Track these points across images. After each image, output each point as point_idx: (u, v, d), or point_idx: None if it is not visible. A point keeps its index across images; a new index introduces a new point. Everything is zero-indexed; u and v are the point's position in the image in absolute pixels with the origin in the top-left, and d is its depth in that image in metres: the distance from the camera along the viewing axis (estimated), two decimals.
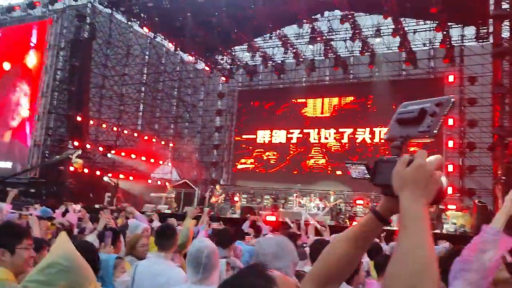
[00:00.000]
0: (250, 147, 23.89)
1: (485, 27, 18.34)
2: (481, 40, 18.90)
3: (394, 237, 7.98)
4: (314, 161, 22.21)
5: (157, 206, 17.27)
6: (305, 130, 22.67)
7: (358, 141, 21.33)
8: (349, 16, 18.76)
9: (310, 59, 22.23)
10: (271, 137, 23.48)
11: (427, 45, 20.32)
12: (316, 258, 1.25)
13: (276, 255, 1.95)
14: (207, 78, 26.00)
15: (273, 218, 15.68)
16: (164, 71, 25.73)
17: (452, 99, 1.06)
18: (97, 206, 15.74)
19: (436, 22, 18.02)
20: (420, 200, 0.97)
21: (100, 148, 21.32)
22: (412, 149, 1.11)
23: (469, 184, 18.90)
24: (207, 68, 24.71)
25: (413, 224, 0.94)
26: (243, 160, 24.05)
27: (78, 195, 17.83)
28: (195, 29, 20.17)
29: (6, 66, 21.73)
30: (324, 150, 22.15)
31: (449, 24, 18.54)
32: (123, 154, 22.21)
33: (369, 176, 1.17)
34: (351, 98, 22.08)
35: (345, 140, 21.62)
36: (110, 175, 19.50)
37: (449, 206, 16.77)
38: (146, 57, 25.54)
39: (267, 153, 23.39)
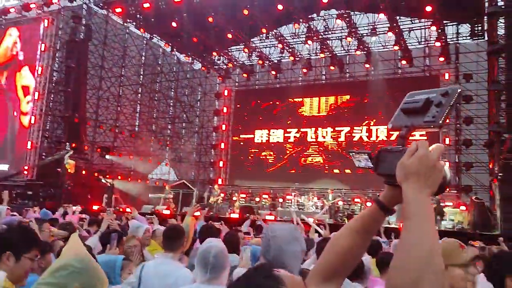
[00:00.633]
0: (248, 146, 23.92)
1: (480, 25, 18.44)
2: (476, 38, 19.00)
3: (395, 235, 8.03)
4: (312, 159, 22.28)
5: (155, 207, 17.28)
6: (302, 129, 22.72)
7: (355, 139, 21.39)
8: (345, 15, 18.83)
9: (306, 58, 22.29)
10: (268, 136, 23.52)
11: (422, 43, 20.40)
12: None
13: (287, 239, 1.98)
14: (204, 79, 26.03)
15: (271, 218, 15.74)
16: (161, 71, 25.72)
17: (459, 89, 1.05)
18: (95, 207, 15.75)
19: (431, 20, 18.11)
20: (424, 190, 0.96)
21: (98, 150, 21.30)
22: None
23: (466, 181, 19.01)
24: (203, 69, 24.72)
25: (417, 215, 0.94)
26: (239, 159, 24.08)
27: (75, 197, 17.82)
28: (191, 30, 20.18)
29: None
30: (322, 149, 22.21)
31: (444, 22, 18.63)
32: (120, 155, 22.19)
33: (371, 165, 1.16)
34: (348, 96, 22.14)
35: (342, 138, 21.69)
36: (107, 176, 19.50)
37: (447, 203, 16.88)
38: (143, 58, 25.53)
39: (264, 153, 23.43)
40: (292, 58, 22.40)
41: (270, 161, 23.25)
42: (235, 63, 24.27)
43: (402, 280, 0.88)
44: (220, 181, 23.36)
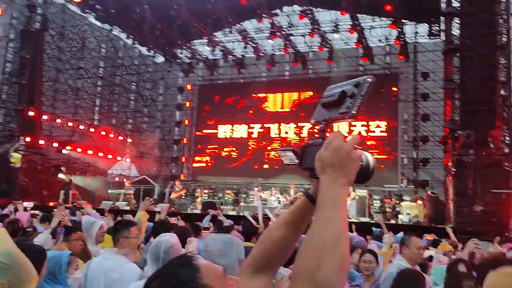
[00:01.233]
0: (211, 142, 23.78)
1: (437, 25, 19.04)
2: (433, 37, 19.62)
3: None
4: (274, 154, 22.39)
5: (115, 203, 16.89)
6: (265, 125, 22.79)
7: (317, 135, 21.61)
8: (308, 12, 18.98)
9: (270, 54, 22.36)
10: (232, 131, 23.46)
11: (383, 41, 20.87)
12: None
13: (221, 252, 1.97)
14: (166, 72, 25.58)
15: (234, 213, 15.77)
16: (122, 64, 25.08)
17: (369, 79, 1.07)
18: (51, 203, 15.22)
19: (391, 19, 18.54)
20: (338, 180, 0.98)
21: (55, 144, 20.56)
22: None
23: (422, 176, 19.64)
24: (166, 62, 24.30)
25: (327, 204, 0.96)
26: (203, 155, 23.91)
27: (31, 193, 17.15)
28: (153, 22, 19.79)
29: None
30: (285, 145, 22.33)
31: (403, 21, 19.12)
32: (79, 150, 21.52)
33: (297, 161, 1.18)
34: (310, 93, 22.36)
35: (304, 134, 21.90)
36: (64, 171, 18.88)
37: (404, 197, 17.42)
38: (103, 50, 24.81)
39: (228, 148, 23.35)
40: (255, 53, 22.39)
41: (233, 156, 23.21)
42: (198, 57, 24.01)
43: (305, 265, 0.89)
44: (182, 177, 23.11)
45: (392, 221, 15.11)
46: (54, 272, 2.74)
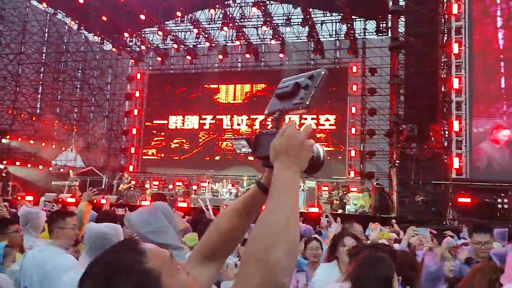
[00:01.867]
0: (162, 133, 23.35)
1: (384, 22, 19.68)
2: (380, 34, 20.27)
3: None
4: (227, 144, 22.35)
5: (59, 194, 16.23)
6: (217, 116, 22.67)
7: (269, 127, 21.75)
8: (261, 4, 19.01)
9: (223, 45, 22.21)
10: (183, 122, 23.14)
11: (333, 36, 21.30)
12: None
13: (144, 220, 1.93)
14: (115, 60, 24.72)
15: (184, 205, 15.61)
16: (67, 51, 23.99)
17: (323, 72, 1.11)
18: None
19: (341, 14, 18.94)
20: (291, 167, 1.00)
21: None
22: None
23: (369, 168, 20.34)
24: (114, 50, 23.51)
25: (280, 189, 0.97)
26: (154, 146, 23.45)
27: None
28: (100, 8, 19.05)
29: None
30: (229, 138, 22.35)
31: (353, 17, 19.61)
32: (20, 139, 20.44)
33: (250, 150, 1.20)
34: (263, 85, 22.46)
35: (257, 126, 21.99)
36: (4, 162, 17.89)
37: (351, 189, 17.96)
38: (46, 35, 23.59)
39: (179, 139, 23.03)
40: (208, 44, 22.16)
41: (185, 147, 22.93)
42: (148, 45, 23.41)
43: (256, 247, 0.90)
44: (131, 168, 22.56)
45: (340, 211, 15.58)
46: None
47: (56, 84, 24.03)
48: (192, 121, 23.03)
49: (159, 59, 23.71)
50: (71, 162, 22.02)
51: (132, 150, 23.26)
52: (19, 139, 20.43)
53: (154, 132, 23.52)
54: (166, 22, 21.49)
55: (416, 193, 13.66)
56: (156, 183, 20.66)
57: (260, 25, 20.68)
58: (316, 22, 20.41)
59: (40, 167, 20.86)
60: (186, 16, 20.48)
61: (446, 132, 14.49)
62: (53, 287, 2.51)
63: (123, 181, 19.05)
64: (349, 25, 19.64)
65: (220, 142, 22.39)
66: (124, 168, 22.55)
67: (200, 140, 22.74)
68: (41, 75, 23.64)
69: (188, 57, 22.97)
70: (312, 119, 20.74)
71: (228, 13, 20.14)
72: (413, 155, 14.43)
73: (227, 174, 20.16)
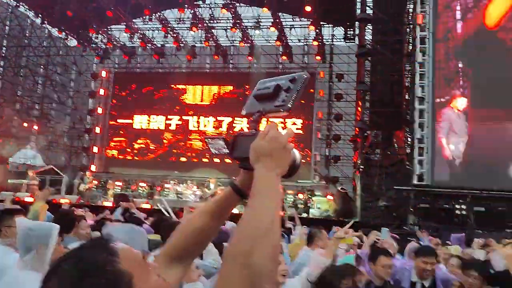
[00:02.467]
0: (126, 132, 22.87)
1: (352, 29, 20.05)
2: (348, 41, 20.63)
3: None
4: (191, 144, 22.14)
5: (16, 193, 15.59)
6: (184, 117, 22.42)
7: (236, 129, 21.76)
8: (231, 6, 18.97)
9: (191, 46, 22.01)
10: (148, 122, 22.75)
11: (302, 41, 21.51)
12: None
13: (124, 241, 1.87)
14: (79, 57, 24.05)
15: (147, 206, 15.35)
16: (29, 45, 23.13)
17: (305, 76, 1.11)
18: None
19: (310, 20, 19.16)
20: (273, 170, 1.00)
21: None
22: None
23: (333, 173, 20.62)
24: (79, 46, 22.86)
25: (261, 192, 0.97)
26: (117, 145, 22.94)
27: None
28: (65, 2, 18.47)
29: None
30: (203, 138, 22.16)
31: (321, 23, 19.87)
32: None
33: (227, 151, 1.18)
34: (231, 87, 22.40)
35: (223, 128, 21.90)
36: None
37: (316, 193, 18.16)
38: (7, 28, 22.65)
39: (143, 139, 22.63)
40: (176, 44, 21.91)
41: (150, 147, 22.55)
42: (115, 43, 22.90)
43: (239, 249, 0.89)
44: (93, 168, 21.98)
45: (304, 215, 15.70)
46: None
47: (16, 79, 23.11)
48: (157, 121, 22.69)
49: (125, 57, 23.23)
50: (30, 160, 21.19)
51: (95, 149, 22.67)
52: None
53: (118, 131, 23.01)
54: (134, 20, 21.10)
55: (379, 198, 13.95)
56: (119, 183, 20.20)
57: (229, 27, 20.62)
58: (285, 26, 20.55)
59: None
60: (154, 14, 20.16)
61: (409, 139, 14.87)
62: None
63: (85, 181, 18.56)
64: (317, 30, 19.90)
65: (189, 143, 22.15)
66: (86, 167, 21.94)
67: (165, 141, 22.42)
68: (1, 69, 22.68)
69: (156, 56, 22.62)
70: (280, 122, 20.87)
71: (197, 14, 19.98)
72: (377, 161, 14.76)
73: (193, 176, 19.94)
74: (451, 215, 12.93)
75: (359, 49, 16.53)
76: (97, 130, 22.92)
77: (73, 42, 23.28)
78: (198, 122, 22.33)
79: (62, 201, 12.20)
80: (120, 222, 7.32)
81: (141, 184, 19.94)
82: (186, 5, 19.05)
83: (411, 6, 15.31)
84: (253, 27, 20.56)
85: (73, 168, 22.18)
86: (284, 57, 21.46)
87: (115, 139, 23.03)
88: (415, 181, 13.25)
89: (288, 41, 21.10)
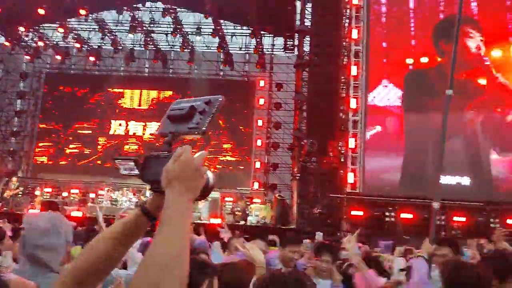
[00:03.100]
0: (57, 136, 21.77)
1: (292, 40, 20.52)
2: (288, 51, 21.08)
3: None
4: (129, 147, 21.52)
5: None
6: (121, 122, 21.76)
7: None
8: (171, 11, 18.75)
9: (129, 49, 21.44)
10: (82, 126, 21.81)
11: (243, 49, 21.68)
12: None
13: (47, 230, 1.80)
14: (7, 55, 22.57)
15: (79, 214, 14.77)
16: None
17: (220, 98, 1.09)
18: None
19: (251, 29, 19.38)
20: (185, 195, 0.98)
21: None
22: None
23: (272, 180, 20.86)
24: (7, 44, 21.48)
25: (171, 219, 0.95)
26: (47, 150, 21.77)
27: None
28: None
29: None
30: (140, 143, 21.65)
31: (262, 32, 20.16)
32: None
33: (137, 173, 1.15)
34: (170, 92, 22.09)
35: None
36: None
37: (254, 200, 18.26)
38: None
39: (77, 143, 21.65)
40: (113, 46, 21.24)
41: (85, 152, 21.61)
42: (47, 42, 21.77)
43: (146, 281, 0.87)
44: (20, 173, 20.66)
45: (242, 222, 15.73)
46: None
47: None
48: (92, 125, 21.82)
49: (58, 57, 22.14)
50: None
51: (22, 153, 21.34)
52: None
53: (49, 135, 21.85)
54: (68, 20, 20.21)
55: (314, 205, 14.31)
56: (49, 189, 19.14)
57: (170, 32, 20.34)
58: (226, 34, 20.62)
59: None
60: (91, 15, 19.43)
61: (343, 148, 15.41)
62: None
63: (9, 187, 17.39)
64: (258, 40, 20.15)
65: (125, 148, 21.49)
66: (12, 172, 20.57)
67: (99, 147, 21.61)
68: None
69: (92, 58, 21.79)
70: (222, 131, 20.85)
71: (136, 17, 19.53)
72: (313, 169, 15.13)
73: (129, 182, 19.31)
74: (381, 223, 13.54)
75: (297, 60, 16.96)
76: (25, 132, 21.60)
77: (0, 40, 21.84)
78: (136, 127, 21.77)
79: None
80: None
81: (74, 190, 19.03)
82: (125, 8, 18.55)
83: (347, 20, 15.96)
84: (194, 33, 20.42)
85: None
86: (224, 65, 21.50)
87: (45, 143, 21.85)
88: (348, 189, 13.76)
89: (229, 48, 21.18)
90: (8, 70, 22.80)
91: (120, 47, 21.45)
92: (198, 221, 12.92)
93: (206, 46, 21.45)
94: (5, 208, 15.06)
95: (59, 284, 1.14)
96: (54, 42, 21.84)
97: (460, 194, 12.97)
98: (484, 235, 9.27)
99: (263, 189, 20.37)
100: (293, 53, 20.49)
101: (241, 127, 21.18)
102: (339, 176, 14.93)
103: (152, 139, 21.54)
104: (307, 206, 14.85)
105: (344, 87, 15.80)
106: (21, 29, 20.62)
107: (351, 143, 13.94)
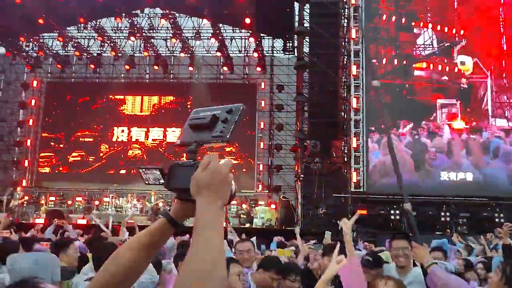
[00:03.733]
0: (60, 145, 21.82)
1: (291, 41, 20.52)
2: (287, 53, 21.07)
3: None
4: (132, 152, 21.53)
5: None
6: (123, 128, 21.79)
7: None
8: (170, 16, 18.80)
9: (130, 55, 21.49)
10: (85, 134, 21.85)
11: (243, 52, 21.69)
12: None
13: (32, 271, 1.76)
14: (8, 66, 22.65)
15: (84, 222, 14.79)
16: None
17: (242, 107, 1.12)
18: None
19: (250, 31, 19.40)
20: (215, 203, 0.99)
21: None
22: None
23: (276, 182, 20.85)
24: (8, 54, 21.56)
25: (206, 228, 0.96)
26: (50, 159, 21.81)
27: None
28: None
29: None
30: (143, 149, 21.68)
31: (261, 35, 20.17)
32: None
33: (163, 181, 1.16)
34: (171, 97, 22.13)
35: (169, 139, 21.49)
36: None
37: (259, 202, 18.28)
38: None
39: (78, 152, 21.66)
40: (113, 53, 21.29)
41: (89, 160, 21.64)
42: (47, 51, 21.84)
43: (186, 286, 0.89)
44: (24, 183, 20.72)
45: (247, 225, 15.74)
46: None
47: None
48: (94, 133, 21.86)
49: (59, 66, 22.20)
50: None
51: (26, 163, 21.41)
52: None
53: (52, 144, 21.90)
54: (68, 28, 20.27)
55: (319, 206, 14.30)
56: (53, 198, 19.20)
57: (169, 37, 20.38)
58: (225, 37, 20.64)
59: None
60: (89, 23, 19.48)
61: (346, 148, 15.41)
62: None
63: (15, 197, 17.46)
64: (257, 42, 20.16)
65: (128, 155, 21.49)
66: (17, 182, 20.64)
67: (101, 154, 21.63)
68: None
69: (92, 66, 21.85)
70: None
71: (135, 23, 19.57)
72: (316, 169, 15.13)
73: (133, 188, 19.34)
74: (386, 221, 13.51)
75: (297, 62, 16.94)
76: (28, 142, 21.67)
77: (1, 50, 21.92)
78: (138, 133, 21.81)
79: None
80: (51, 241, 6.94)
81: (78, 198, 19.08)
82: (123, 14, 18.59)
83: (346, 20, 15.96)
84: (193, 37, 20.45)
85: (1, 183, 20.79)
86: (225, 68, 21.52)
87: (48, 152, 21.89)
88: (352, 188, 13.74)
89: (229, 52, 21.19)
90: (10, 80, 22.91)
91: (120, 54, 21.50)
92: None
93: (206, 50, 21.46)
94: (10, 218, 15.05)
95: None
96: (54, 51, 21.92)
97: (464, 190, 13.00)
98: (489, 230, 9.29)
99: (267, 191, 20.36)
100: (293, 54, 20.50)
101: (243, 130, 21.18)
102: (342, 176, 14.92)
103: (155, 144, 21.59)
104: (311, 207, 14.84)
105: (345, 87, 15.81)
106: (22, 39, 20.70)
107: (354, 142, 13.92)
